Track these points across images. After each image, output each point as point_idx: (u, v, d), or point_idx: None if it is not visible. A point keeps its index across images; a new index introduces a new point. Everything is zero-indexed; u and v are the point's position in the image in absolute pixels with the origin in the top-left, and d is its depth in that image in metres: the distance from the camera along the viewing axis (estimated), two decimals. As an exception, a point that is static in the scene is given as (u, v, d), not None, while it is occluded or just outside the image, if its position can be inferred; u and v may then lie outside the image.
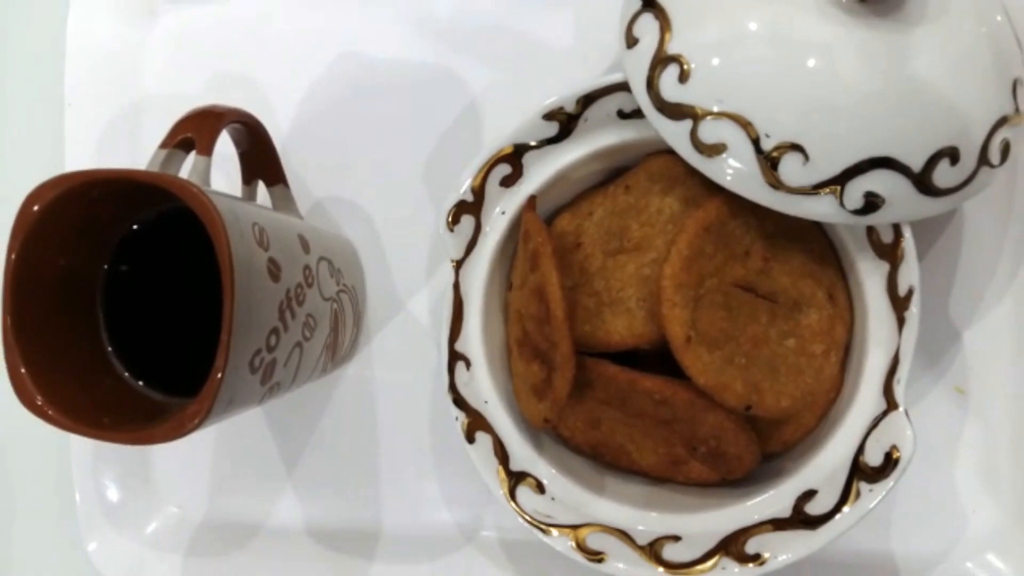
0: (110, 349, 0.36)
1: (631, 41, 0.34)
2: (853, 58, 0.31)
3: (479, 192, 0.37)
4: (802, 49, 0.31)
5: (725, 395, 0.33)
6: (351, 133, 0.45)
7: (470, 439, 0.37)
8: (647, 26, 0.33)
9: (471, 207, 0.37)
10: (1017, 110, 0.32)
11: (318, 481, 0.45)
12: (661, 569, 0.34)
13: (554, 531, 0.35)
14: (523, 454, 0.37)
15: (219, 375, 0.31)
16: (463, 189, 0.37)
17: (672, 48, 0.32)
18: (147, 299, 0.37)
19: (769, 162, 0.31)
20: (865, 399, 0.34)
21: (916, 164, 0.31)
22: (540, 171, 0.37)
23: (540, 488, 0.36)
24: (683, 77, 0.32)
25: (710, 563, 0.33)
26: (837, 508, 0.33)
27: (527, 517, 0.35)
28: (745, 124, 0.31)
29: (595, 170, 0.38)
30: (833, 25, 0.31)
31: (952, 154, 0.31)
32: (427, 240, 0.44)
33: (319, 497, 0.45)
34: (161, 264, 0.38)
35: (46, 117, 0.48)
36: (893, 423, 0.33)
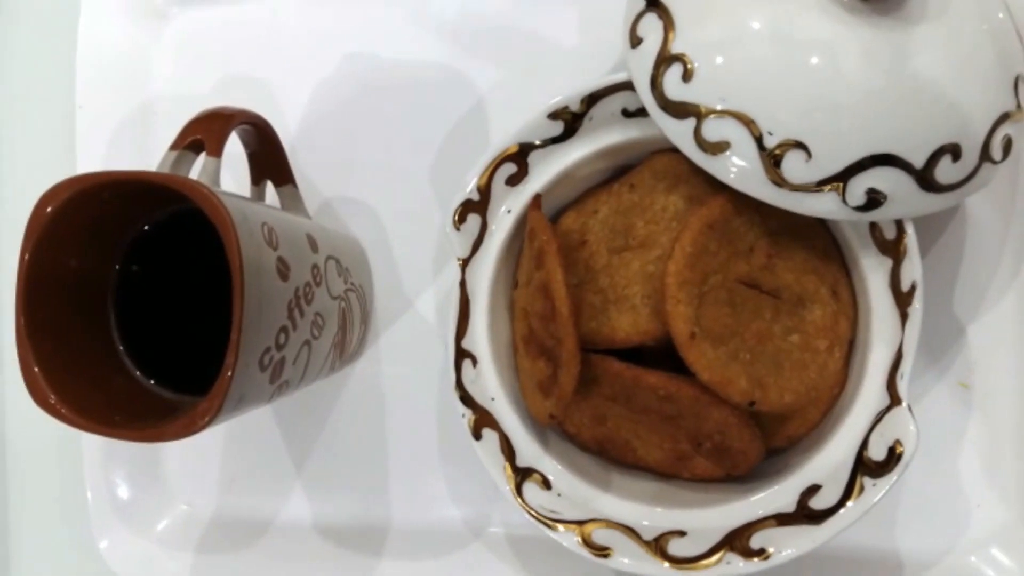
0: (121, 348, 0.36)
1: (635, 40, 0.34)
2: (855, 56, 0.31)
3: (485, 191, 0.38)
4: (804, 47, 0.31)
5: (729, 391, 0.33)
6: (358, 133, 0.46)
7: (477, 436, 0.37)
8: (651, 26, 0.33)
9: (477, 206, 0.38)
10: (1019, 106, 0.32)
11: (326, 478, 0.45)
12: (667, 564, 0.34)
13: (560, 527, 0.35)
14: (529, 450, 0.37)
15: (229, 373, 0.31)
16: (469, 188, 0.37)
17: (676, 47, 0.32)
18: (158, 299, 0.38)
19: (772, 160, 0.31)
20: (869, 394, 0.34)
21: (918, 161, 0.31)
22: (545, 170, 0.38)
23: (546, 484, 0.36)
24: (687, 76, 0.32)
25: (715, 558, 0.33)
26: (841, 503, 0.33)
27: (533, 513, 0.36)
28: (748, 122, 0.31)
29: (600, 168, 0.38)
30: (835, 23, 0.31)
31: (954, 150, 0.31)
32: (434, 239, 0.44)
33: (327, 494, 0.45)
34: (172, 264, 0.38)
35: (58, 119, 0.48)
36: (896, 418, 0.33)
